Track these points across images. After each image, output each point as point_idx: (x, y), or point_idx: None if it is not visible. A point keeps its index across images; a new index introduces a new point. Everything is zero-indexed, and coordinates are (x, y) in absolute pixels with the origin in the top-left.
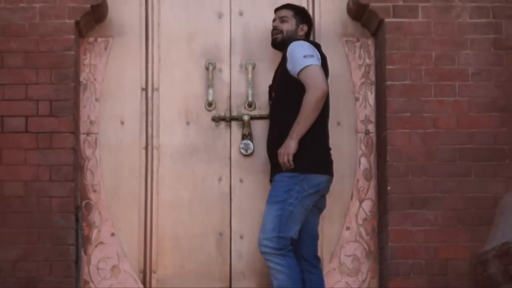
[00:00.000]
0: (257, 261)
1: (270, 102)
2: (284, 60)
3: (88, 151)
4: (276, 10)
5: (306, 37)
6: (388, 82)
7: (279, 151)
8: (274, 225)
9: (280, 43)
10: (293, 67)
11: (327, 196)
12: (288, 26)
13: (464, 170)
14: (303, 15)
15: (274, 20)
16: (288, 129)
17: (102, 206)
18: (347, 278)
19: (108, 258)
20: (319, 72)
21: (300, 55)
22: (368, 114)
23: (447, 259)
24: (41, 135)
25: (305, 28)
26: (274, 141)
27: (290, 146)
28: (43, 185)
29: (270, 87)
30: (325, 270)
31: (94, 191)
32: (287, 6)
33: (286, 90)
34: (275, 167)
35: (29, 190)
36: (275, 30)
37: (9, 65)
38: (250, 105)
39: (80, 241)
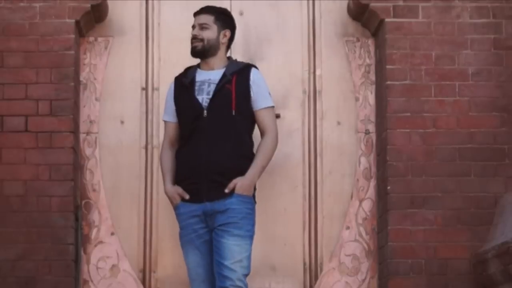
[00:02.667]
0: (257, 261)
1: (206, 112)
2: (242, 78)
3: (88, 151)
4: (195, 14)
5: (230, 43)
6: (388, 82)
7: (242, 182)
8: (249, 262)
9: (200, 52)
10: (256, 99)
11: (327, 196)
12: (209, 33)
13: (464, 169)
14: (225, 19)
15: (193, 27)
16: (244, 151)
17: (102, 205)
18: (346, 277)
19: (107, 258)
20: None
21: (266, 90)
22: (368, 114)
23: (447, 258)
24: (41, 135)
25: (228, 33)
26: (228, 160)
27: (253, 183)
28: (42, 184)
29: (216, 97)
30: (324, 270)
31: (94, 190)
32: (206, 10)
33: (245, 111)
34: (220, 187)
35: (28, 190)
36: (194, 39)
37: (9, 64)
38: None
39: (79, 240)
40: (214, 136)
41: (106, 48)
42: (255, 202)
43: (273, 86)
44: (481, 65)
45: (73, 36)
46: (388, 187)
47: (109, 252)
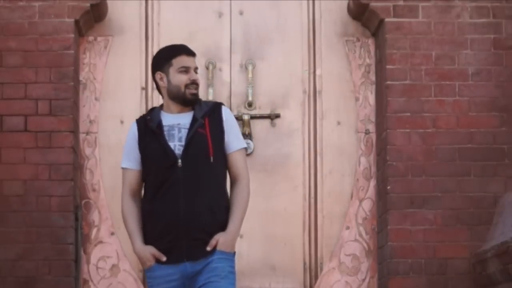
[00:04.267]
0: (257, 260)
1: (180, 160)
2: (214, 120)
3: (87, 150)
4: (189, 54)
5: None
6: (388, 82)
7: (225, 238)
8: None
9: (197, 100)
10: (230, 141)
11: (327, 196)
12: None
13: (463, 169)
14: None
15: (186, 69)
16: (224, 202)
17: (102, 205)
18: (346, 277)
19: (107, 258)
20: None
21: (238, 129)
22: (368, 114)
23: (447, 258)
24: (40, 134)
25: None
26: (210, 213)
27: (236, 238)
28: (42, 184)
29: (190, 144)
30: (324, 270)
31: (94, 190)
32: (194, 52)
33: (221, 156)
34: (202, 245)
35: (28, 189)
36: (195, 85)
37: (8, 64)
38: (250, 104)
39: (79, 240)
40: (191, 187)
41: (105, 47)
42: (234, 254)
43: (273, 85)
44: (481, 65)
45: (72, 35)
46: (388, 187)
47: (109, 252)
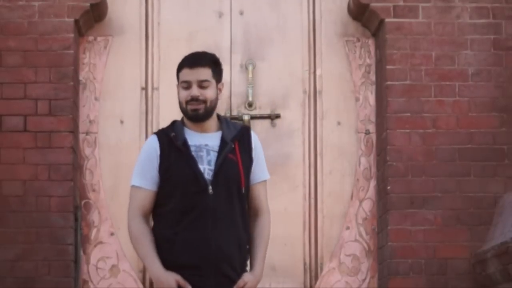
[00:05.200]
0: None
1: (211, 187)
2: (244, 146)
3: (87, 151)
4: (190, 66)
5: None
6: (388, 82)
7: (252, 282)
8: None
9: (203, 116)
10: (256, 171)
11: (327, 196)
12: (210, 93)
13: (463, 170)
14: (220, 70)
15: (186, 84)
16: (248, 237)
17: (102, 205)
18: (347, 277)
19: (107, 258)
20: None
21: (264, 159)
22: (368, 114)
23: (447, 258)
24: (40, 134)
25: (222, 87)
26: (239, 249)
27: (261, 278)
28: (42, 184)
29: (220, 169)
30: (325, 270)
31: (93, 190)
32: (204, 62)
33: (248, 187)
34: (230, 283)
35: (27, 190)
36: (195, 101)
37: (8, 63)
38: (250, 104)
39: (79, 240)
40: (222, 218)
41: (105, 47)
42: None
43: (273, 86)
44: (481, 66)
45: (72, 35)
46: (388, 187)
47: (108, 253)
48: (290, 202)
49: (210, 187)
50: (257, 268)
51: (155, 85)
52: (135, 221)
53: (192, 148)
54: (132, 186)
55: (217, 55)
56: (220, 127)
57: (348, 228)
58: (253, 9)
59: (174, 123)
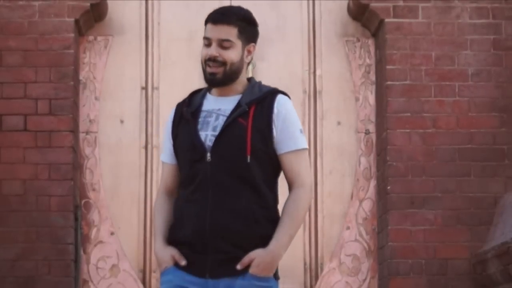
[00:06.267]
0: None
1: (209, 154)
2: (262, 110)
3: (87, 150)
4: (213, 22)
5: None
6: (388, 82)
7: (262, 258)
8: None
9: (221, 81)
10: (281, 139)
11: (327, 196)
12: (233, 54)
13: (463, 170)
14: (250, 30)
15: (207, 41)
16: (263, 211)
17: (102, 205)
18: (347, 277)
19: (107, 258)
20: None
21: (297, 126)
22: (368, 114)
23: (447, 258)
24: (40, 134)
25: (253, 48)
26: (243, 224)
27: (278, 259)
28: (42, 184)
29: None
30: (325, 270)
31: (94, 190)
32: (228, 19)
33: (265, 155)
34: (230, 260)
35: (28, 189)
36: (213, 62)
37: (8, 63)
38: None
39: (79, 240)
40: (221, 189)
41: (105, 47)
42: (278, 279)
43: (273, 85)
44: (480, 66)
45: (72, 35)
46: (388, 187)
47: (109, 252)
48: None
49: (208, 154)
50: (273, 243)
51: (155, 85)
52: (157, 198)
53: (203, 114)
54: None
55: None
56: (245, 90)
57: (348, 228)
58: (253, 9)
59: (200, 90)
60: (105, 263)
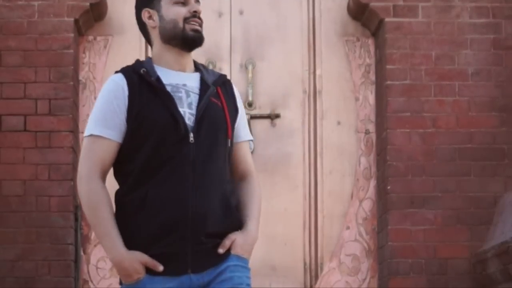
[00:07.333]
0: (257, 260)
1: (192, 135)
2: (227, 94)
3: None
4: None
5: None
6: (388, 82)
7: (244, 239)
8: None
9: (202, 42)
10: (240, 127)
11: (327, 196)
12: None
13: (463, 169)
14: None
15: (184, 1)
16: (230, 199)
17: None
18: (347, 277)
19: (107, 258)
20: None
21: (246, 119)
22: (368, 114)
23: (447, 258)
24: (40, 134)
25: None
26: (226, 213)
27: (255, 241)
28: (42, 184)
29: (202, 114)
30: (325, 270)
31: None
32: None
33: (233, 142)
34: (211, 250)
35: (27, 189)
36: (197, 19)
37: (8, 63)
38: (250, 104)
39: (79, 240)
40: (205, 173)
41: (105, 47)
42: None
43: (273, 85)
44: (480, 65)
45: (72, 35)
46: (388, 187)
47: None
48: (290, 202)
49: (191, 134)
50: (250, 225)
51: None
52: (92, 182)
53: (168, 88)
54: (90, 136)
55: (217, 54)
56: (197, 69)
57: (348, 228)
58: (252, 9)
59: (140, 61)
60: (105, 263)
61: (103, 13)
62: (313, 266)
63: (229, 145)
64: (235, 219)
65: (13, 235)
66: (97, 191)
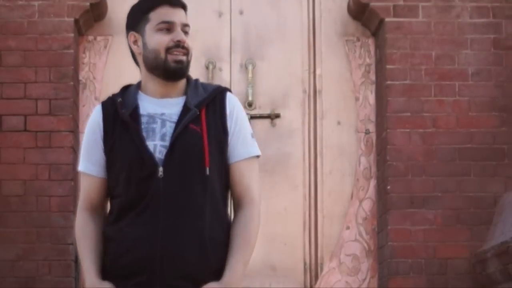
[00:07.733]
0: (257, 260)
1: (162, 169)
2: (214, 112)
3: None
4: (172, 3)
5: None
6: (388, 82)
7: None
8: None
9: (185, 73)
10: (235, 145)
11: (327, 196)
12: (190, 43)
13: (463, 169)
14: None
15: (169, 27)
16: (222, 234)
17: None
18: (347, 277)
19: None
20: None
21: (249, 129)
22: (368, 114)
23: (447, 258)
24: (40, 134)
25: None
26: (200, 252)
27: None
28: (42, 184)
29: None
30: (325, 270)
31: None
32: (184, 3)
33: (220, 164)
34: None
35: (28, 189)
36: (180, 49)
37: (8, 63)
38: (250, 104)
39: None
40: (175, 209)
41: (105, 47)
42: None
43: (273, 85)
44: (481, 65)
45: (72, 34)
46: (388, 187)
47: None
48: (290, 202)
49: (160, 169)
50: (228, 275)
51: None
52: (78, 216)
53: (144, 119)
54: (79, 172)
55: (217, 54)
56: (186, 91)
57: (348, 228)
58: (252, 9)
59: (126, 87)
60: None
61: (103, 13)
62: (313, 266)
63: (207, 174)
64: (214, 261)
65: (14, 235)
66: (79, 223)
